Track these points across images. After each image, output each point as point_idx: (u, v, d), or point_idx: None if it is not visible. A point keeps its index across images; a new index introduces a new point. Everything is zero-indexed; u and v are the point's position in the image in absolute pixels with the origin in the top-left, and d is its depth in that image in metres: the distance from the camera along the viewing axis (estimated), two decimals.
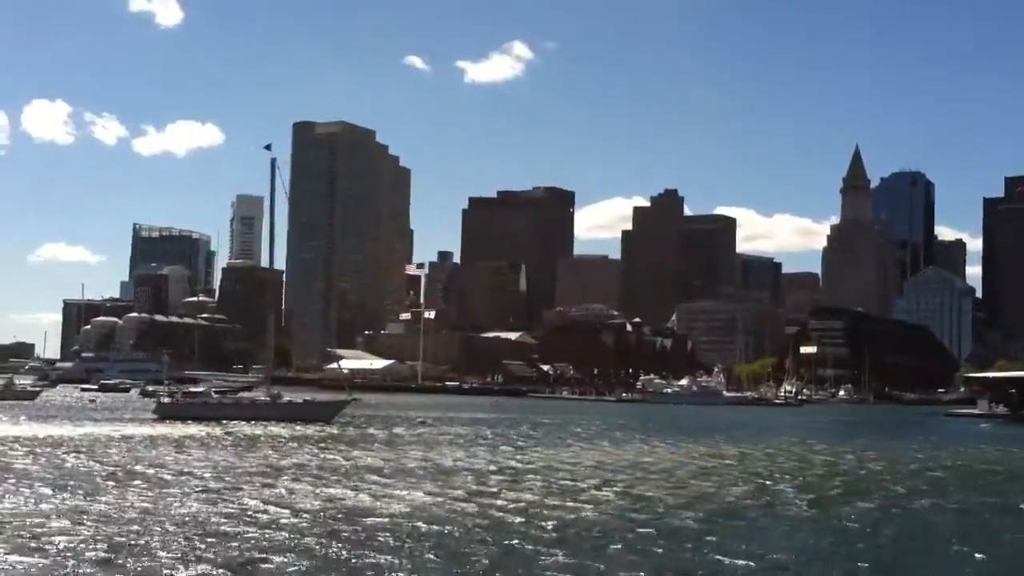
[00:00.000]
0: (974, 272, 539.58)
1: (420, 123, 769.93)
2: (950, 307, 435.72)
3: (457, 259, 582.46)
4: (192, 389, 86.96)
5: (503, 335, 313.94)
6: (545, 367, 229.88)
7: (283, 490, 32.98)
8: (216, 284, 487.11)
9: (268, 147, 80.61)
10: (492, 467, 43.45)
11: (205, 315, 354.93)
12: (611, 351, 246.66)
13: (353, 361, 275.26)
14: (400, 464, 43.64)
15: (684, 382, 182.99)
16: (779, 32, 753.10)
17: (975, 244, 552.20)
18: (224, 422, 69.69)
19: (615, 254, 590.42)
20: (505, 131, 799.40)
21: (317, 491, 32.81)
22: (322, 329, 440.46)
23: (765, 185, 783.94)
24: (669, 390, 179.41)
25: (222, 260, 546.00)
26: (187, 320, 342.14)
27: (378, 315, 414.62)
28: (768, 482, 40.13)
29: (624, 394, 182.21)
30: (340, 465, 42.38)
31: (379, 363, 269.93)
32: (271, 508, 28.45)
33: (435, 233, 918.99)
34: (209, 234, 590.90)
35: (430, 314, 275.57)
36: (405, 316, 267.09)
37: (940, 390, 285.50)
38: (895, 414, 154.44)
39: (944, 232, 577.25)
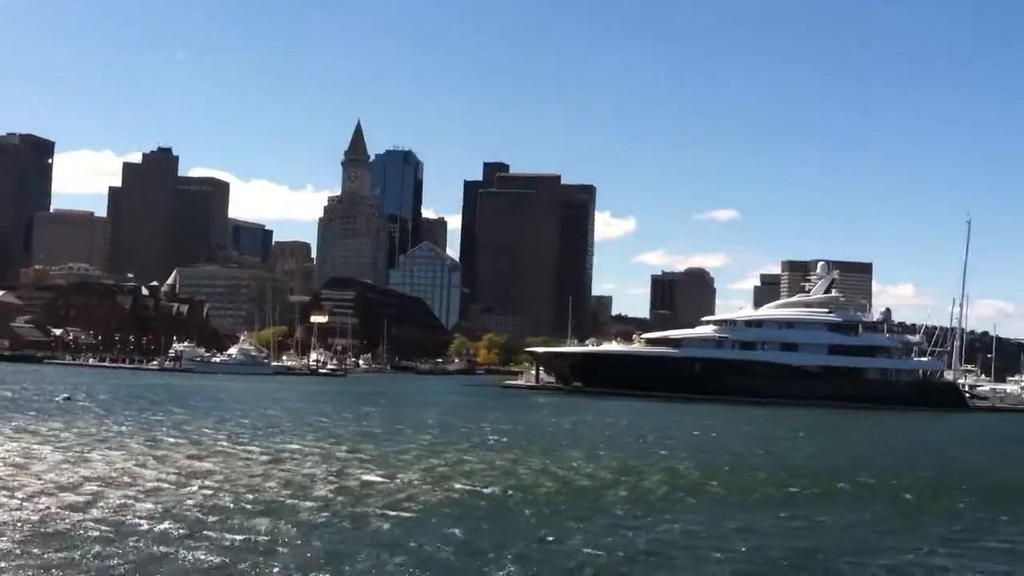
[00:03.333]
0: (452, 251, 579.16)
1: None
2: (440, 281, 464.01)
3: None
4: None
5: None
6: (57, 331, 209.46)
7: None
8: None
9: None
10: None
11: None
12: (127, 316, 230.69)
13: None
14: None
15: (233, 351, 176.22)
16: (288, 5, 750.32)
17: (454, 223, 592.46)
18: None
19: (98, 210, 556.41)
20: None
21: None
22: None
23: (248, 151, 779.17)
24: (217, 359, 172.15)
25: None
26: None
27: None
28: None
29: (168, 363, 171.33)
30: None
31: None
32: None
33: None
34: None
35: None
36: None
37: (438, 360, 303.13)
38: (455, 384, 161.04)
39: (426, 211, 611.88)
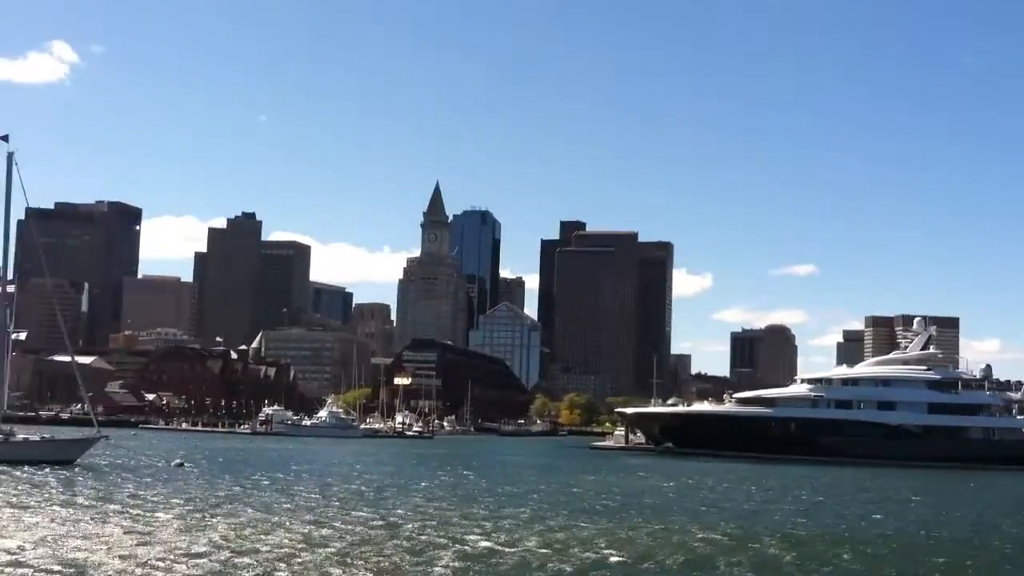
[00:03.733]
0: (530, 311, 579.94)
1: None
2: (520, 341, 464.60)
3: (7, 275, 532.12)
4: None
5: (79, 360, 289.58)
6: (150, 396, 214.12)
7: None
8: None
9: (5, 138, 68.08)
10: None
11: None
12: (217, 380, 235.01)
13: None
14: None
15: (323, 414, 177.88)
16: (356, 62, 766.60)
17: (532, 282, 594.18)
18: None
19: (180, 274, 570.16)
20: (58, 137, 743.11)
21: None
22: None
23: (326, 214, 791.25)
24: (307, 423, 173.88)
25: None
26: None
27: None
28: None
29: (259, 427, 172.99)
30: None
31: None
32: None
33: None
34: None
35: (20, 335, 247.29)
36: None
37: (520, 421, 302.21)
38: (541, 446, 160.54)
39: (503, 270, 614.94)
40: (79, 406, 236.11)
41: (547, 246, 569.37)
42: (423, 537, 36.17)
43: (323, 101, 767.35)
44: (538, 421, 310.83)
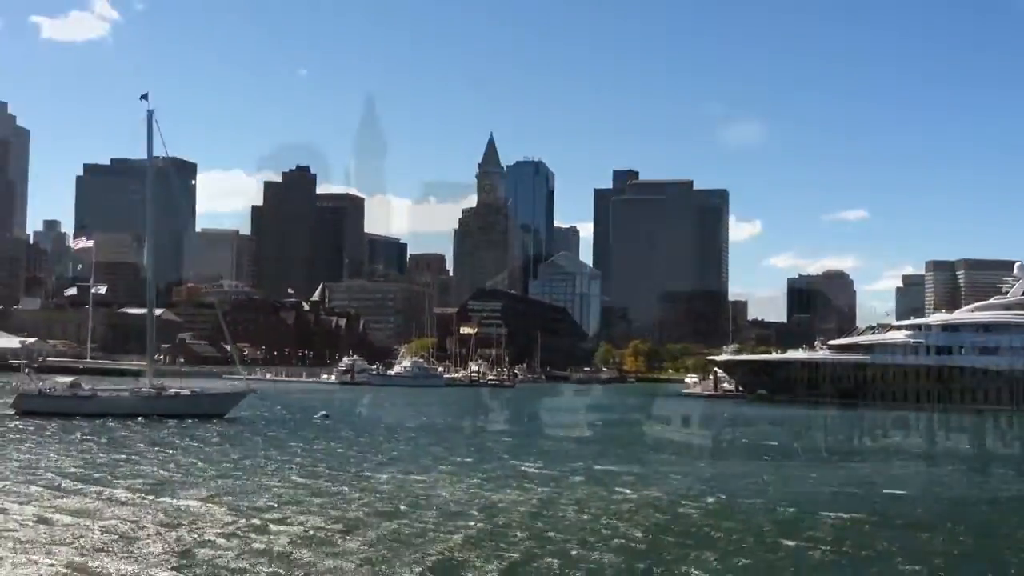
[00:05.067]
0: (585, 259, 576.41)
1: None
2: (580, 290, 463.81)
3: (65, 229, 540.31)
4: (61, 380, 72.11)
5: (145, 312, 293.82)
6: (227, 347, 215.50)
7: None
8: None
9: (145, 97, 68.91)
10: None
11: None
12: (292, 330, 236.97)
13: None
14: None
15: (407, 364, 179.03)
16: (406, 16, 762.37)
17: (586, 231, 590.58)
18: (99, 418, 60.01)
19: (237, 227, 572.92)
20: (101, 94, 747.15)
21: None
22: None
23: (371, 165, 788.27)
24: (392, 372, 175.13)
25: None
26: None
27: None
28: None
29: (344, 376, 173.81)
30: None
31: (12, 341, 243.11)
32: None
33: (39, 200, 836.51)
34: None
35: (101, 289, 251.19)
36: (71, 292, 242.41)
37: (587, 368, 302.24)
38: (622, 394, 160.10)
39: (557, 220, 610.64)
40: (159, 357, 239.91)
41: (600, 195, 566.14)
42: (627, 490, 35.86)
43: (370, 54, 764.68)
44: (604, 369, 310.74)
